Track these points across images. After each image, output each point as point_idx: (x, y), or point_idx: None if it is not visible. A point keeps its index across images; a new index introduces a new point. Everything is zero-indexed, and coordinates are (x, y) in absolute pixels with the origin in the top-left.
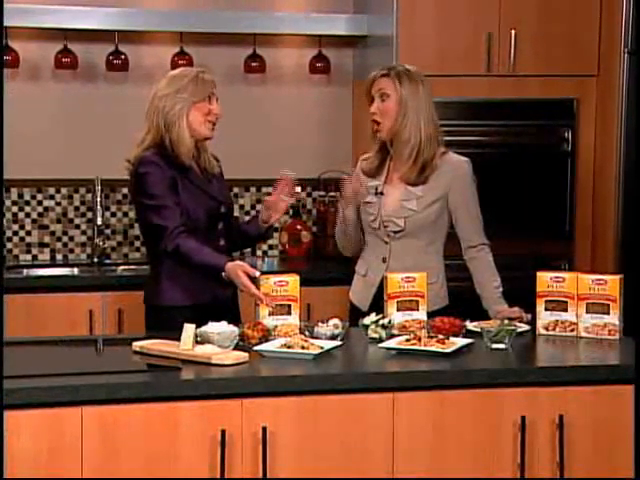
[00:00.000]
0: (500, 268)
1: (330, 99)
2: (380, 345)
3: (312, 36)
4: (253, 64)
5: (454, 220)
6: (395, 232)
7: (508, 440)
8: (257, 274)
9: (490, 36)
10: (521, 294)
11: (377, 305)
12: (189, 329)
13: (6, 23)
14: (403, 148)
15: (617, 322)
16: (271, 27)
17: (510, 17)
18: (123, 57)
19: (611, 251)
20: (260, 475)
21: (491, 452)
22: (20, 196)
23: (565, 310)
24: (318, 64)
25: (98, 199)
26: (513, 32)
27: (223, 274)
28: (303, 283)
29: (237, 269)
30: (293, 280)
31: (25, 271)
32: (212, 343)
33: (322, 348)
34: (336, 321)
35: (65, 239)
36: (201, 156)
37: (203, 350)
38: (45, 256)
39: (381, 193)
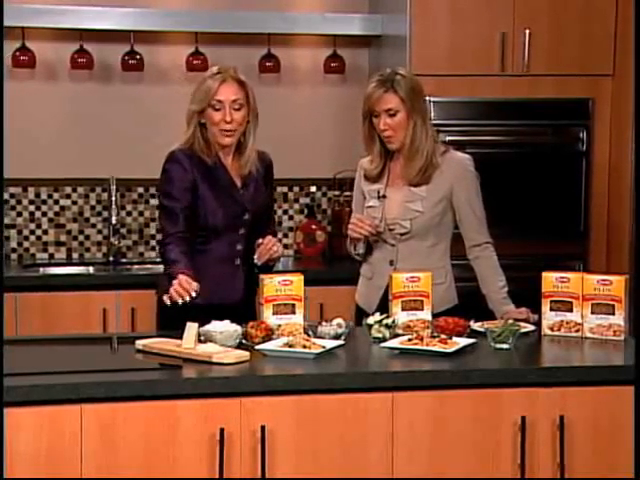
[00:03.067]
0: (514, 268)
1: (345, 99)
2: (382, 345)
3: (327, 36)
4: (268, 64)
5: (458, 218)
6: (401, 234)
7: (508, 440)
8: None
9: (504, 35)
10: (535, 295)
11: (384, 308)
12: (191, 328)
13: (22, 24)
14: (417, 159)
15: (622, 323)
16: (286, 27)
17: (524, 16)
18: (138, 57)
19: (626, 251)
20: (259, 474)
21: (491, 452)
22: (37, 195)
23: (570, 310)
24: (333, 64)
25: (113, 198)
26: (527, 31)
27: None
28: (317, 283)
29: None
30: (297, 279)
31: (41, 269)
32: (215, 342)
33: (324, 347)
34: (340, 320)
35: (81, 238)
36: (239, 159)
37: (204, 349)
38: (61, 255)
39: (384, 196)
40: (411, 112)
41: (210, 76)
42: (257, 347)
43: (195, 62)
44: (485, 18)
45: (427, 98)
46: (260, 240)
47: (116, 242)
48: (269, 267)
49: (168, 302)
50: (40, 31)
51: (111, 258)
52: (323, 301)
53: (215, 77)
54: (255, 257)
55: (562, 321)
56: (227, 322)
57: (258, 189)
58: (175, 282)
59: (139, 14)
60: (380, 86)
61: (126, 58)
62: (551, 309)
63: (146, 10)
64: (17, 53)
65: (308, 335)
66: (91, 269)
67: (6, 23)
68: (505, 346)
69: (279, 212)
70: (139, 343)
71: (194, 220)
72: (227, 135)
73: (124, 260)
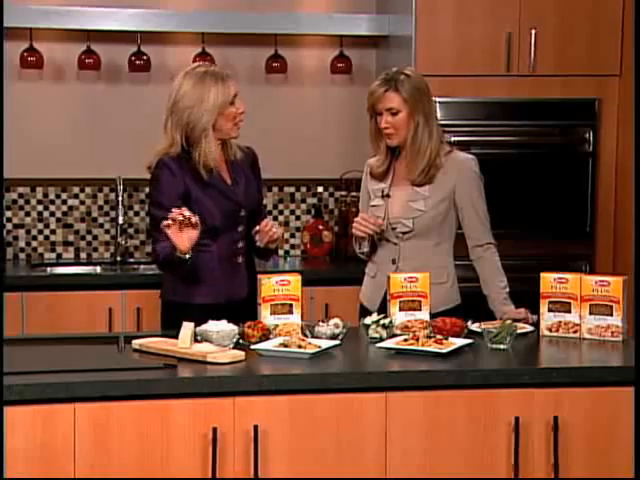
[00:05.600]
0: (520, 269)
1: (352, 99)
2: (378, 345)
3: (333, 36)
4: (274, 64)
5: (461, 218)
6: (404, 233)
7: (502, 441)
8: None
9: (510, 36)
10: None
11: (387, 307)
12: (188, 327)
13: (30, 25)
14: (420, 159)
15: (620, 323)
16: (292, 27)
17: (530, 16)
18: (145, 58)
19: (632, 252)
20: (252, 473)
21: (485, 453)
22: (45, 195)
23: (568, 311)
24: (339, 64)
25: (120, 198)
26: (533, 32)
27: (180, 254)
28: (323, 283)
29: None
30: (295, 280)
31: (49, 269)
32: (211, 342)
33: (319, 347)
34: (337, 320)
35: (89, 238)
36: (226, 149)
37: (200, 348)
38: (69, 255)
39: (387, 195)
40: (413, 112)
41: (218, 77)
42: (252, 347)
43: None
44: (491, 18)
45: (434, 99)
46: (257, 227)
47: (123, 242)
48: (272, 251)
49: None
50: (48, 32)
51: (118, 258)
52: (329, 301)
53: (221, 78)
54: (257, 240)
55: (560, 322)
56: (224, 322)
57: (249, 183)
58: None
59: (146, 15)
60: (383, 84)
61: (133, 59)
62: (549, 310)
63: (153, 11)
64: (25, 54)
65: (305, 335)
66: (98, 269)
67: (13, 24)
68: (502, 346)
69: (286, 212)
70: (136, 342)
71: None
72: (239, 127)
73: (131, 260)
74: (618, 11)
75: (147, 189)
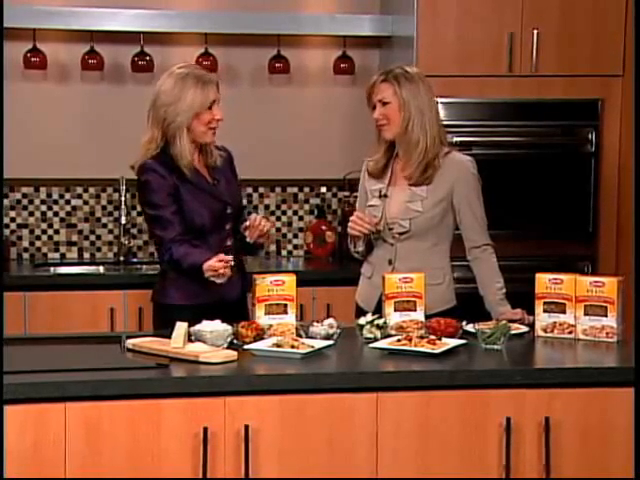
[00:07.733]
0: (522, 270)
1: (354, 100)
2: (371, 345)
3: (336, 37)
4: (277, 65)
5: (458, 220)
6: (400, 233)
7: (494, 441)
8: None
9: (512, 36)
10: None
11: (382, 307)
12: (181, 327)
13: (34, 25)
14: (413, 151)
15: (615, 324)
16: (295, 28)
17: (532, 17)
18: (148, 58)
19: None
20: (242, 473)
21: (476, 453)
22: (49, 195)
23: (563, 312)
24: (342, 65)
25: (123, 199)
26: (535, 32)
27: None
28: (326, 283)
29: (209, 261)
30: (289, 280)
31: (52, 269)
32: (205, 342)
33: (313, 347)
34: (331, 321)
35: (92, 238)
36: (207, 155)
37: (192, 348)
38: (73, 254)
39: (385, 195)
40: (404, 104)
41: (199, 79)
42: (246, 347)
43: (205, 63)
44: (493, 19)
45: (436, 99)
46: (247, 222)
47: (126, 242)
48: (261, 246)
49: (219, 281)
50: (51, 32)
51: (121, 258)
52: (331, 301)
53: (207, 76)
54: (246, 236)
55: (555, 322)
56: (218, 322)
57: (229, 182)
58: (213, 260)
59: (149, 15)
60: (379, 76)
61: (136, 59)
62: (544, 310)
63: (156, 11)
64: (28, 54)
65: (299, 335)
66: (101, 269)
67: (17, 24)
68: (496, 347)
69: (289, 212)
70: (129, 342)
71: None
72: (214, 132)
73: (134, 260)
74: (621, 11)
75: None
